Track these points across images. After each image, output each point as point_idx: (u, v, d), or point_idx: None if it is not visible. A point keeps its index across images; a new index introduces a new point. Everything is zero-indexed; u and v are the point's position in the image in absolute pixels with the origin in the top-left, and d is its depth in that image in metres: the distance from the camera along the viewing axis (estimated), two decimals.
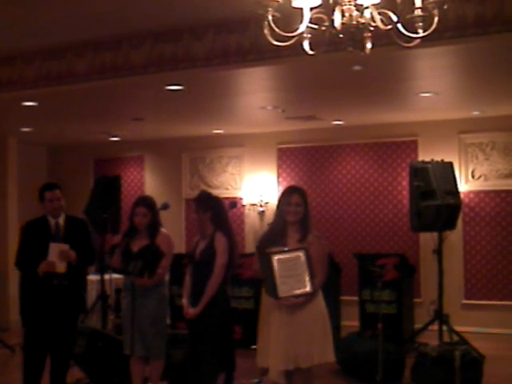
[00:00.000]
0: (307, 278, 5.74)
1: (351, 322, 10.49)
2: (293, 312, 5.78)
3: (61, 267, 6.67)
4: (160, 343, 7.02)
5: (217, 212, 6.74)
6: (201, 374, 6.59)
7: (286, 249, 5.83)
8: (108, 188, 10.57)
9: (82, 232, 7.13)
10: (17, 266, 7.05)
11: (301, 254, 5.76)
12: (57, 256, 6.65)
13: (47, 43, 7.74)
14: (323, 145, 12.19)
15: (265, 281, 5.94)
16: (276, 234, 5.97)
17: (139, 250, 6.81)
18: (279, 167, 12.52)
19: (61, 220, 6.95)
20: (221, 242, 6.60)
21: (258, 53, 6.79)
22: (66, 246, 6.71)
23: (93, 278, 10.59)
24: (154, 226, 7.06)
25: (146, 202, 7.22)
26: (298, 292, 5.75)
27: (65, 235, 6.88)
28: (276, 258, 5.76)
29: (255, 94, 9.13)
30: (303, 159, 12.35)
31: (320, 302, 5.92)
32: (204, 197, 6.94)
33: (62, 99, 9.08)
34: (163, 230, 7.16)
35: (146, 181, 13.74)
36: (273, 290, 5.76)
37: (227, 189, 12.90)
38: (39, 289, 6.74)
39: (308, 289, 5.75)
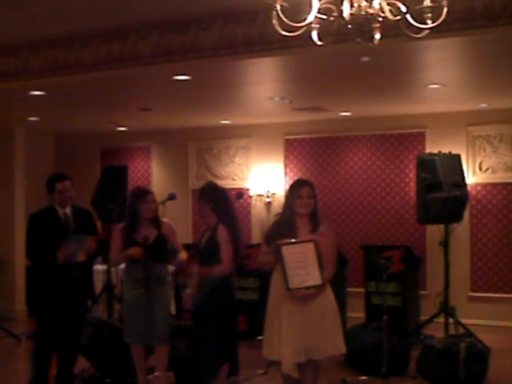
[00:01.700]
0: (317, 270, 5.75)
1: (357, 314, 10.50)
2: (304, 304, 5.80)
3: (81, 256, 6.75)
4: (167, 329, 7.08)
5: (218, 203, 6.70)
6: (202, 364, 6.59)
7: (295, 240, 5.84)
8: (115, 178, 10.58)
9: (90, 222, 7.18)
10: (28, 257, 7.08)
11: (311, 245, 5.77)
12: (77, 246, 6.71)
13: (54, 33, 7.73)
14: (330, 136, 12.17)
15: (275, 271, 5.97)
16: (286, 226, 5.98)
17: (157, 238, 6.89)
18: (286, 158, 12.50)
19: (68, 210, 6.97)
20: (222, 234, 6.57)
21: (265, 43, 6.77)
22: (88, 238, 6.80)
23: (99, 268, 10.60)
24: (157, 216, 7.12)
25: (151, 190, 7.29)
26: (309, 284, 5.77)
27: (74, 225, 6.92)
28: (286, 249, 5.77)
29: (263, 85, 9.11)
30: (310, 150, 12.33)
31: (330, 293, 5.96)
32: (206, 188, 6.93)
33: (69, 89, 9.08)
34: (164, 219, 7.24)
35: (153, 171, 13.74)
36: (283, 282, 5.78)
37: (234, 179, 12.90)
38: (55, 279, 6.76)
39: (318, 281, 5.77)
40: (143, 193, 7.16)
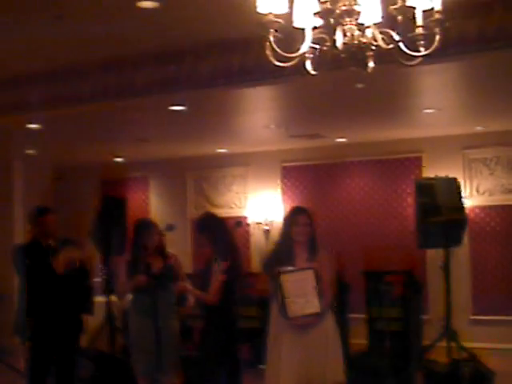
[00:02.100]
0: (316, 298, 5.74)
1: (360, 340, 10.45)
2: (304, 332, 5.78)
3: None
4: (177, 361, 7.05)
5: (214, 233, 6.71)
6: None
7: (294, 268, 5.83)
8: (113, 210, 10.56)
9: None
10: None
11: (310, 273, 5.76)
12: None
13: (51, 66, 7.75)
14: (327, 162, 12.19)
15: (273, 300, 5.94)
16: (283, 254, 5.97)
17: (164, 269, 6.89)
18: (284, 185, 12.51)
19: (52, 242, 6.97)
20: (216, 271, 6.56)
21: (260, 72, 6.79)
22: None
23: (99, 300, 10.55)
24: (163, 247, 7.13)
25: (155, 222, 7.30)
26: (308, 312, 5.75)
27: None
28: (285, 277, 5.76)
29: (258, 113, 9.14)
30: (307, 177, 12.34)
31: (330, 321, 5.92)
32: (203, 219, 6.95)
33: (66, 121, 9.10)
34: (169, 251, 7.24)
35: (151, 202, 13.75)
36: (282, 310, 5.76)
37: (232, 208, 12.90)
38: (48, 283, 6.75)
39: (317, 309, 5.75)
40: (148, 225, 7.18)
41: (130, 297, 7.36)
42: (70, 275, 6.85)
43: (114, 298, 10.03)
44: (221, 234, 6.74)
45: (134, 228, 7.31)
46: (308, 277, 5.78)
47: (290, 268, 5.84)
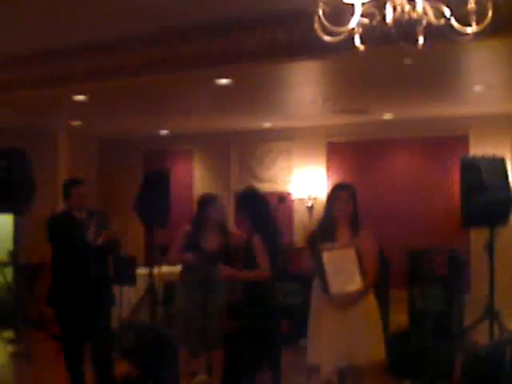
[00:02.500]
0: (358, 275, 5.72)
1: (400, 318, 10.40)
2: (345, 309, 5.77)
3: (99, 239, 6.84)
4: (221, 335, 7.06)
5: (254, 214, 6.71)
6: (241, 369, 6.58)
7: (336, 245, 5.81)
8: (157, 182, 10.59)
9: (105, 226, 7.18)
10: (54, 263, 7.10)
11: (351, 251, 5.74)
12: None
13: (97, 38, 7.76)
14: (373, 139, 12.11)
15: (316, 276, 5.93)
16: (326, 230, 5.96)
17: (220, 246, 6.88)
18: (328, 161, 12.45)
19: (84, 214, 6.99)
20: (259, 248, 6.57)
21: (307, 47, 6.72)
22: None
23: (141, 271, 10.62)
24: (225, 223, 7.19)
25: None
26: (349, 289, 5.73)
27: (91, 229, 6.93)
28: (326, 254, 5.74)
29: (305, 88, 9.09)
30: (353, 154, 12.28)
31: (372, 299, 5.91)
32: (243, 197, 6.95)
33: (111, 94, 9.14)
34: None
35: (195, 175, 13.77)
36: (324, 286, 5.75)
37: (276, 183, 12.88)
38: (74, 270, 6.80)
39: (358, 286, 5.73)
40: (212, 198, 7.19)
41: (179, 268, 7.38)
42: (103, 247, 6.89)
43: (156, 270, 10.11)
44: (261, 210, 6.75)
45: (197, 201, 7.33)
46: (349, 254, 5.76)
47: (330, 245, 5.82)
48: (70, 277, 6.82)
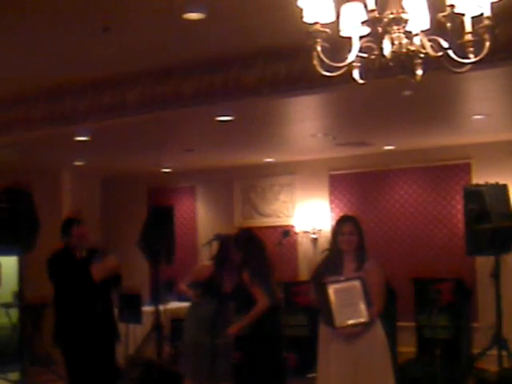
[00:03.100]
0: (364, 308, 5.71)
1: (408, 348, 10.36)
2: (351, 342, 5.76)
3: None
4: (230, 368, 7.08)
5: (247, 252, 6.77)
6: None
7: (342, 278, 5.81)
8: (161, 218, 10.62)
9: None
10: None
11: (357, 283, 5.74)
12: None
13: (98, 77, 7.82)
14: (375, 170, 12.13)
15: (321, 310, 5.92)
16: (332, 263, 5.98)
17: (236, 288, 6.94)
18: (331, 194, 12.48)
19: (83, 252, 7.01)
20: (249, 283, 6.62)
21: (307, 81, 6.77)
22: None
23: (147, 309, 10.61)
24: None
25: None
26: (355, 322, 5.72)
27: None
28: (332, 287, 5.74)
29: (305, 122, 9.12)
30: (355, 185, 12.30)
31: (379, 330, 5.89)
32: (238, 237, 7.02)
33: (113, 132, 9.18)
34: None
35: (198, 211, 13.79)
36: (329, 320, 5.74)
37: (279, 217, 12.90)
38: (81, 320, 6.79)
39: (365, 318, 5.72)
40: (233, 240, 7.25)
41: (185, 305, 7.41)
42: (107, 284, 6.91)
43: (162, 307, 10.10)
44: (252, 248, 6.81)
45: (221, 241, 7.38)
46: (355, 286, 5.76)
47: (336, 278, 5.83)
48: (73, 315, 6.83)
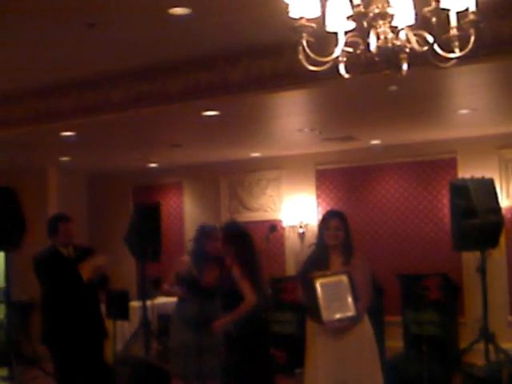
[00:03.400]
0: (351, 302, 5.71)
1: (395, 343, 10.39)
2: (338, 336, 5.77)
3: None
4: (217, 367, 7.04)
5: (240, 247, 6.73)
6: None
7: (328, 272, 5.81)
8: (148, 215, 10.61)
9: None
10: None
11: (343, 277, 5.74)
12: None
13: (83, 74, 7.80)
14: (361, 165, 12.14)
15: (308, 306, 5.93)
16: (318, 258, 5.99)
17: (217, 281, 6.86)
18: (318, 188, 12.48)
19: (70, 249, 7.00)
20: (236, 272, 6.58)
21: (293, 77, 6.78)
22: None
23: (135, 304, 10.60)
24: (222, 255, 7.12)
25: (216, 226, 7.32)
26: (343, 316, 5.73)
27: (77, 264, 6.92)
28: (319, 282, 5.74)
29: (292, 117, 9.12)
30: (342, 180, 12.31)
31: (366, 325, 5.90)
32: (229, 229, 6.95)
33: (99, 129, 9.15)
34: None
35: (185, 206, 13.77)
36: (317, 315, 5.74)
37: (266, 211, 12.90)
38: (70, 316, 6.77)
39: (352, 312, 5.72)
40: (212, 228, 7.15)
41: (173, 300, 7.36)
42: (95, 283, 6.89)
43: (149, 302, 10.10)
44: (241, 242, 6.77)
45: (197, 232, 7.27)
46: (342, 280, 5.76)
47: (323, 272, 5.83)
48: (62, 314, 6.81)
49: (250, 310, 6.49)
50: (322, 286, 5.75)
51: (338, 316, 5.74)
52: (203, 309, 6.65)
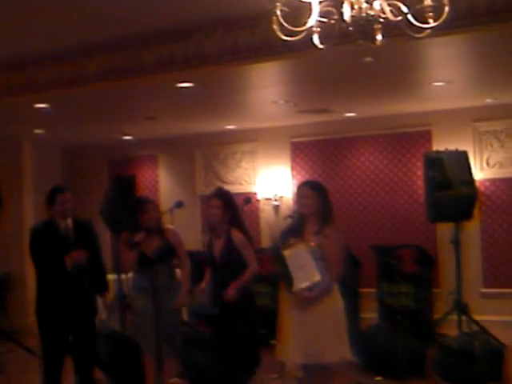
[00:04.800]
0: (313, 267, 5.73)
1: (370, 315, 10.45)
2: (306, 308, 5.81)
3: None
4: (177, 338, 7.10)
5: (235, 209, 6.76)
6: (231, 375, 6.59)
7: (291, 242, 5.86)
8: (123, 188, 10.55)
9: (91, 233, 7.17)
10: (37, 270, 7.04)
11: (302, 245, 5.77)
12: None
13: (57, 46, 7.72)
14: (336, 137, 12.16)
15: (280, 277, 5.97)
16: (294, 227, 6.02)
17: (159, 248, 6.90)
18: (293, 161, 12.49)
19: (69, 222, 6.97)
20: (239, 238, 6.61)
21: (268, 48, 6.75)
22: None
23: (110, 277, 10.58)
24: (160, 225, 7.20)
25: (151, 199, 7.58)
26: (308, 284, 5.76)
27: (75, 237, 6.90)
28: (285, 252, 5.80)
29: (267, 89, 9.10)
30: (317, 152, 12.32)
31: (335, 298, 5.90)
32: (225, 193, 6.96)
33: (73, 101, 9.09)
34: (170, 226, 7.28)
35: (160, 179, 13.75)
36: (288, 285, 5.81)
37: (241, 184, 12.90)
38: (59, 292, 6.76)
39: (317, 278, 5.74)
40: (142, 203, 7.22)
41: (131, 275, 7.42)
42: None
43: (123, 275, 10.09)
44: (238, 210, 6.82)
45: (136, 204, 7.37)
46: (302, 249, 5.80)
47: (286, 243, 5.88)
48: (54, 288, 6.79)
49: (253, 277, 6.59)
50: (288, 256, 5.81)
51: (304, 284, 5.77)
52: (154, 276, 6.69)
